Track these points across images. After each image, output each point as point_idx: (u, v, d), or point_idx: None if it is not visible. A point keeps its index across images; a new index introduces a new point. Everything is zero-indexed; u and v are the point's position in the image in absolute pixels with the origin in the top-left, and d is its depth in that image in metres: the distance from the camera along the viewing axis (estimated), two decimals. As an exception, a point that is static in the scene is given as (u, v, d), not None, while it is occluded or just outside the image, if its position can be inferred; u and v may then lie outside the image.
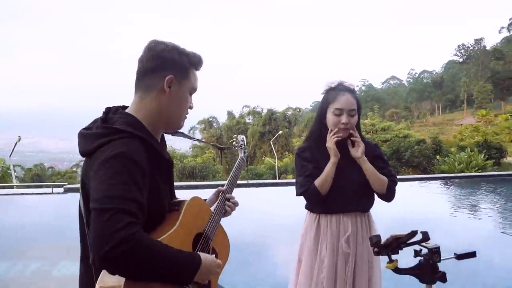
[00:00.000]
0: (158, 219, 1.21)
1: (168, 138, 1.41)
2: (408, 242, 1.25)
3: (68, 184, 13.09)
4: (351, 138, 1.88)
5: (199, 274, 1.15)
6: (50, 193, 11.29)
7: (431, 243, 1.27)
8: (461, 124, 45.07)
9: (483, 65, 75.94)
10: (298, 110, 46.67)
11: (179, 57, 1.23)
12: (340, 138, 1.84)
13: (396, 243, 1.23)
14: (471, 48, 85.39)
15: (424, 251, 1.30)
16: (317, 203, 1.89)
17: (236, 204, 1.57)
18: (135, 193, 1.05)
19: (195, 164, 20.60)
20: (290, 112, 43.60)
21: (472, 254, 1.27)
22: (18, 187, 14.87)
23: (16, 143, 14.41)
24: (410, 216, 6.57)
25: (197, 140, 1.62)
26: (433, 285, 1.26)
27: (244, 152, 1.83)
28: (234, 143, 1.87)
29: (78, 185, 1.25)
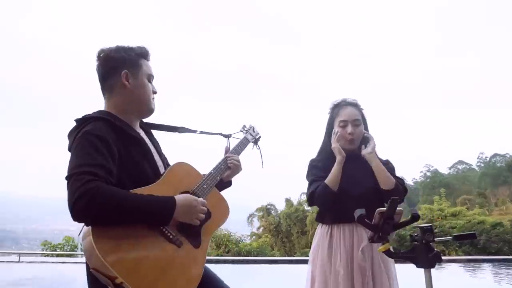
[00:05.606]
0: (145, 185, 1.36)
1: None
2: (400, 222, 1.23)
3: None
4: (364, 134, 1.95)
5: (179, 213, 1.29)
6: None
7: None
8: (548, 211, 40.06)
9: None
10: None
11: (126, 54, 1.46)
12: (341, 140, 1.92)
13: (383, 220, 1.20)
14: (547, 129, 79.82)
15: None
16: (330, 203, 1.87)
17: (236, 159, 1.70)
18: (99, 159, 1.25)
19: (250, 248, 20.23)
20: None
21: (472, 236, 1.20)
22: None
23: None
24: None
25: (201, 132, 1.71)
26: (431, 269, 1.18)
27: (251, 135, 1.90)
28: (241, 129, 1.92)
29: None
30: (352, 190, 1.85)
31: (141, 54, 1.50)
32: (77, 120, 1.41)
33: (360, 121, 1.96)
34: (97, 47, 1.47)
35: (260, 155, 1.94)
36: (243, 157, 1.78)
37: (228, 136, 1.83)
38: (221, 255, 17.77)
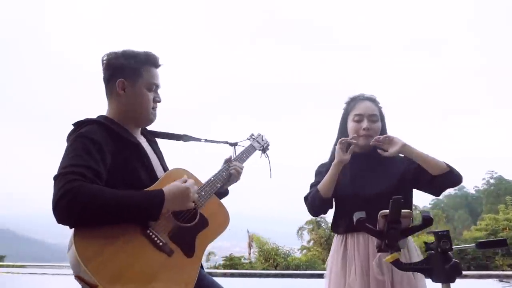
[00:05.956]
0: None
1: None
2: (410, 227, 1.02)
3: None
4: (377, 141, 1.67)
5: (170, 202, 1.23)
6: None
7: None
8: None
9: None
10: (414, 207, 42.89)
11: (126, 62, 1.39)
12: (347, 143, 1.68)
13: (388, 225, 1.00)
14: None
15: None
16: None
17: (240, 166, 1.63)
18: (88, 161, 1.20)
19: (299, 262, 19.82)
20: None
21: (501, 243, 0.95)
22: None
23: None
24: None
25: (206, 140, 1.64)
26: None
27: (259, 143, 1.80)
28: (248, 137, 1.81)
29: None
30: (364, 192, 1.64)
31: (146, 61, 1.43)
32: (74, 124, 1.39)
33: (377, 117, 1.74)
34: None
35: (269, 164, 1.84)
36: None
37: (234, 145, 1.74)
38: (268, 269, 17.54)
